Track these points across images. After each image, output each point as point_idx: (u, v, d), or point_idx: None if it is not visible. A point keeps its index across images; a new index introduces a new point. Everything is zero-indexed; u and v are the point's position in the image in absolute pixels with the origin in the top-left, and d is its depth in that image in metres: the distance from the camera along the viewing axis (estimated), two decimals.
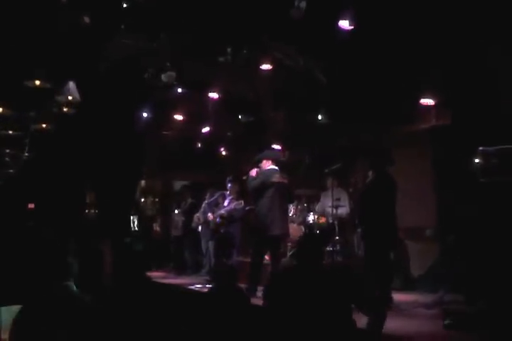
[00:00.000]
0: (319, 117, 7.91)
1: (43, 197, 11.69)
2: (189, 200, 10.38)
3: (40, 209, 11.53)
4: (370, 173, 5.93)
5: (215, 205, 8.81)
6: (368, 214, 5.72)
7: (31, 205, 12.33)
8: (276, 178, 6.37)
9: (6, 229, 9.39)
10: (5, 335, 3.44)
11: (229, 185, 8.47)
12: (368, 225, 5.70)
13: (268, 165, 6.55)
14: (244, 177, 7.04)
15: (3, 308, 3.60)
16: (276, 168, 6.58)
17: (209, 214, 8.67)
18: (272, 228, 6.32)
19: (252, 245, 6.63)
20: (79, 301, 2.35)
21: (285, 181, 6.47)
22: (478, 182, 5.30)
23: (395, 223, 5.73)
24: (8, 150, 11.68)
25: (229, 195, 8.52)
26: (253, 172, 6.53)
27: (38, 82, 7.22)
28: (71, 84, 7.59)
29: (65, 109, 8.05)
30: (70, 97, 7.71)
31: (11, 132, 10.10)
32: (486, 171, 5.11)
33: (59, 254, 2.87)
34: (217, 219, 8.34)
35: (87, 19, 6.31)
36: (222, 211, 8.34)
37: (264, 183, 6.32)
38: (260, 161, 6.60)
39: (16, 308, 3.32)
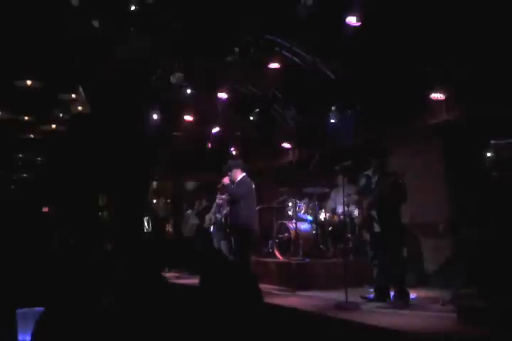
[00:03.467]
0: (330, 115, 7.90)
1: (56, 200, 11.79)
2: (204, 202, 10.44)
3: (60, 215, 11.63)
4: (372, 171, 5.89)
5: (222, 205, 8.87)
6: (378, 212, 5.71)
7: (45, 209, 12.46)
8: (253, 184, 7.24)
9: (21, 232, 9.47)
10: (21, 337, 3.48)
11: (218, 187, 8.58)
12: (380, 222, 5.70)
13: (239, 173, 7.19)
14: (219, 186, 7.86)
15: (19, 311, 3.62)
16: (246, 174, 7.24)
17: (217, 215, 8.83)
18: (254, 226, 7.15)
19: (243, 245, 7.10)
20: (100, 303, 2.36)
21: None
22: (491, 176, 5.25)
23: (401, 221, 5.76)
24: (20, 155, 11.82)
25: (220, 197, 8.67)
26: (226, 180, 7.20)
27: (29, 82, 7.27)
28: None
29: (72, 108, 8.11)
30: (73, 95, 7.77)
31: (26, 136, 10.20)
32: (498, 165, 5.07)
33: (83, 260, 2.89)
34: (223, 220, 8.63)
35: (96, 23, 6.37)
36: (225, 211, 8.45)
37: (248, 190, 7.10)
38: (230, 170, 7.20)
39: (30, 311, 3.35)
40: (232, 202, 7.39)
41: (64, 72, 7.40)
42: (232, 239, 7.63)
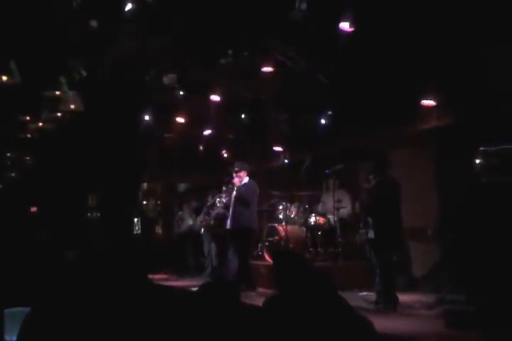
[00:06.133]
0: (321, 119, 7.93)
1: (44, 200, 11.72)
2: (193, 203, 10.41)
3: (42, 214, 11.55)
4: (372, 177, 5.96)
5: (212, 207, 8.84)
6: (374, 218, 5.76)
7: (34, 209, 12.37)
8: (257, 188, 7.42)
9: (8, 232, 9.40)
10: (8, 337, 3.46)
11: (224, 188, 8.51)
12: (374, 228, 5.74)
13: (245, 175, 7.37)
14: (226, 188, 8.01)
15: (7, 311, 3.60)
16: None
17: (206, 217, 8.84)
18: (256, 228, 7.39)
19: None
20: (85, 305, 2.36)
21: None
22: (480, 183, 5.30)
23: (401, 225, 5.78)
24: (9, 154, 11.72)
25: (226, 198, 8.59)
26: (237, 181, 7.34)
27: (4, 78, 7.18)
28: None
29: (62, 107, 8.04)
30: (57, 92, 7.70)
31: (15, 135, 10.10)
32: (487, 171, 5.12)
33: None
34: (211, 221, 8.51)
35: (94, 23, 6.35)
36: (214, 213, 8.47)
37: (255, 193, 7.31)
38: (240, 172, 7.35)
39: (17, 310, 3.33)
40: (238, 204, 7.32)
41: (45, 68, 7.29)
42: (231, 241, 7.54)
